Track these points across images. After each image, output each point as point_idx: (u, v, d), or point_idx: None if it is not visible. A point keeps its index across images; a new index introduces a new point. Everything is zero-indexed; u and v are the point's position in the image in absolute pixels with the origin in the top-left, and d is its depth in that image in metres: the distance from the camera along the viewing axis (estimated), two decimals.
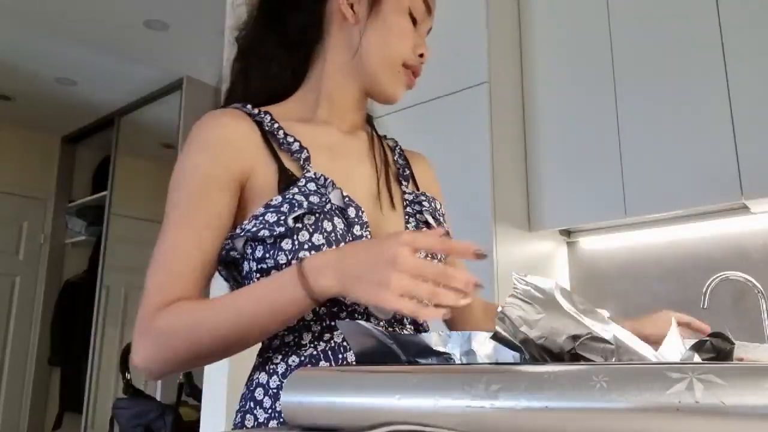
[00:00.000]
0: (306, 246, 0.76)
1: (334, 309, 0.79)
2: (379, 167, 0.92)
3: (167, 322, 0.72)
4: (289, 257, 0.76)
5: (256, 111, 0.86)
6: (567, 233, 2.41)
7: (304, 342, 0.78)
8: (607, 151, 2.11)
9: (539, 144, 2.27)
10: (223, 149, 0.81)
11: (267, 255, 0.77)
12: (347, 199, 0.81)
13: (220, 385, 2.16)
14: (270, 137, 0.84)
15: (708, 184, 1.91)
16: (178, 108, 3.93)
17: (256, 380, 0.80)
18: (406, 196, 0.92)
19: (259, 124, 0.84)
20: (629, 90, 2.11)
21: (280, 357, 0.79)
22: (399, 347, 0.52)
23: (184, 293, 0.75)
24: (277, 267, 0.76)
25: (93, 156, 4.86)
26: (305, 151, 0.84)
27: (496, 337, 0.48)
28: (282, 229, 0.76)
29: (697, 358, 0.50)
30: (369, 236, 0.82)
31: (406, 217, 0.90)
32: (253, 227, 0.77)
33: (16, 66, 3.83)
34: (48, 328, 4.52)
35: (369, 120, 1.00)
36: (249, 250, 0.79)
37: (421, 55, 0.89)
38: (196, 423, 2.41)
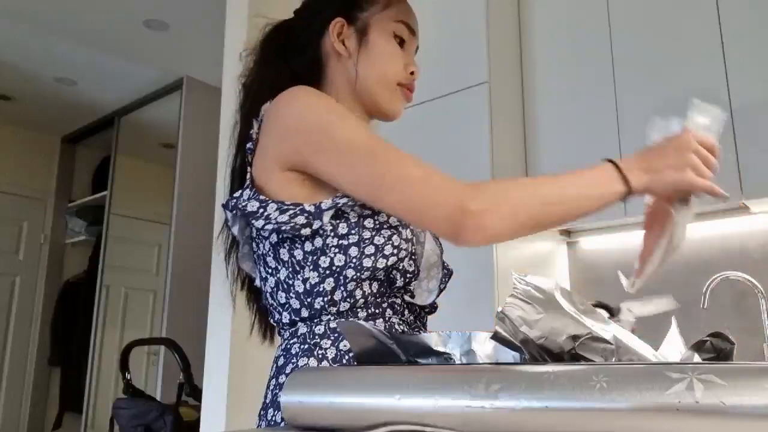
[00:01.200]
0: (385, 226, 0.82)
1: (378, 299, 0.83)
2: None
3: (497, 187, 0.78)
4: (373, 234, 0.81)
5: None
6: (567, 233, 2.41)
7: None
8: (607, 151, 2.11)
9: (539, 144, 2.27)
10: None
11: (352, 231, 0.81)
12: None
13: (220, 385, 2.16)
14: None
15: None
16: (178, 108, 3.93)
17: (305, 366, 0.80)
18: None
19: None
20: (629, 89, 2.11)
21: (329, 342, 0.81)
22: (399, 347, 0.52)
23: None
24: (359, 243, 0.81)
25: (93, 156, 4.86)
26: None
27: (496, 337, 0.48)
28: (368, 210, 0.82)
29: (697, 358, 0.50)
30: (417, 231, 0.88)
31: None
32: (346, 201, 0.81)
33: (16, 66, 3.83)
34: (48, 328, 4.52)
35: None
36: (330, 227, 0.81)
37: (412, 73, 0.97)
38: (196, 423, 2.41)
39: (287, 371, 0.82)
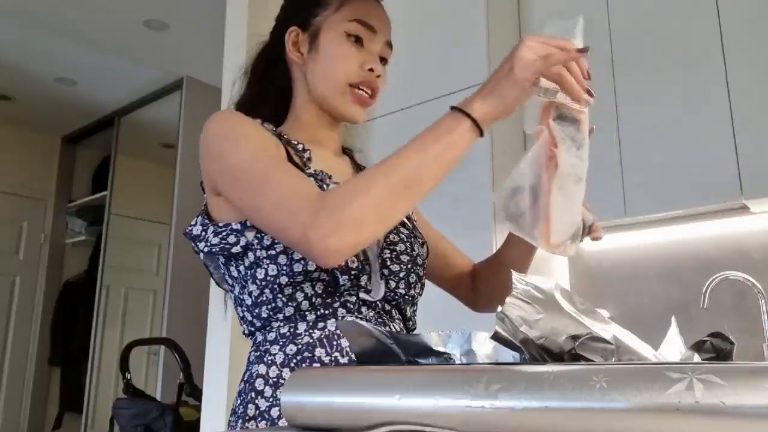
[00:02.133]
0: None
1: (327, 299, 0.83)
2: None
3: (343, 189, 0.73)
4: None
5: (261, 120, 0.94)
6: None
7: (299, 331, 0.83)
8: (607, 151, 2.11)
9: None
10: (258, 125, 0.89)
11: (276, 241, 0.82)
12: None
13: (220, 385, 2.16)
14: (277, 136, 0.92)
15: (708, 184, 1.91)
16: (178, 108, 3.93)
17: (255, 372, 0.84)
18: None
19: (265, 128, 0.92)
20: (629, 90, 2.11)
21: (277, 348, 0.83)
22: (399, 347, 0.52)
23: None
24: (285, 251, 0.81)
25: (93, 156, 4.86)
26: (308, 151, 0.92)
27: (496, 337, 0.48)
28: None
29: (697, 358, 0.50)
30: None
31: None
32: None
33: (16, 66, 3.83)
34: (48, 328, 4.52)
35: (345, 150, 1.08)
36: (256, 241, 0.83)
37: (371, 70, 0.93)
38: (196, 423, 2.41)
39: (245, 378, 0.86)
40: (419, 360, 0.53)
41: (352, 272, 0.84)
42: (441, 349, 0.54)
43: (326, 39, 0.93)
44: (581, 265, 2.42)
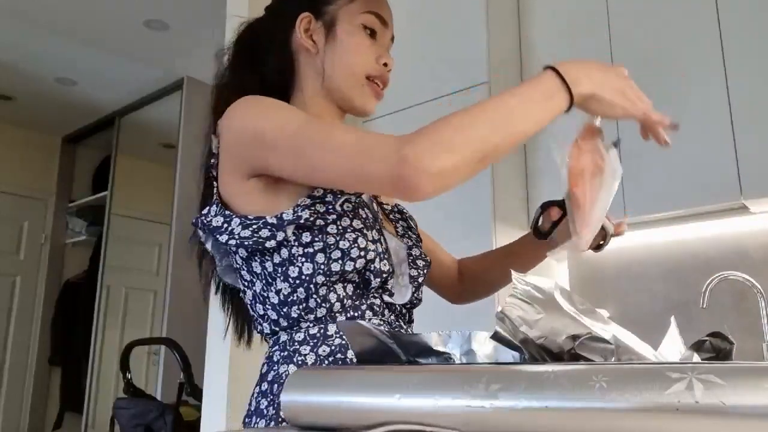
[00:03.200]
0: (349, 229, 0.81)
1: (356, 301, 0.83)
2: None
3: (433, 126, 0.71)
4: (337, 239, 0.80)
5: None
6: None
7: (329, 333, 0.81)
8: None
9: (538, 145, 2.27)
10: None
11: (316, 239, 0.81)
12: (368, 196, 0.92)
13: (220, 385, 2.16)
14: None
15: (708, 184, 1.91)
16: (178, 108, 3.93)
17: (285, 372, 0.81)
18: (385, 207, 1.01)
19: None
20: None
21: (308, 348, 0.81)
22: (399, 347, 0.52)
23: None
24: (324, 250, 0.80)
25: (93, 156, 4.86)
26: None
27: (496, 337, 0.48)
28: (333, 216, 0.81)
29: (696, 358, 0.50)
30: (382, 230, 0.89)
31: (393, 222, 1.00)
32: (309, 215, 0.80)
33: (16, 66, 3.83)
34: (48, 328, 4.52)
35: None
36: (293, 237, 0.81)
37: (386, 65, 0.93)
38: (196, 423, 2.41)
39: (269, 378, 0.83)
40: (419, 360, 0.53)
41: (384, 275, 0.84)
42: (441, 349, 0.54)
43: (344, 30, 0.92)
44: (581, 265, 2.41)
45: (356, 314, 0.83)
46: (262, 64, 0.96)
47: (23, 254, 4.59)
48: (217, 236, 0.83)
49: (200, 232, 0.87)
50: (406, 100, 2.32)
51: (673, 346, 0.56)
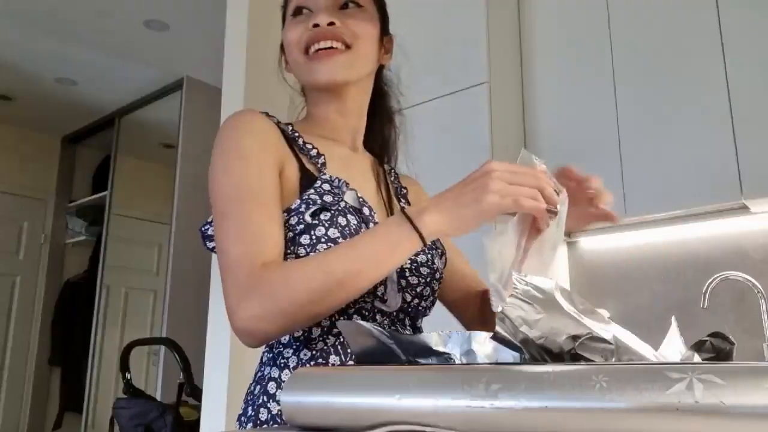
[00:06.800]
0: (323, 239, 0.79)
1: (343, 306, 0.81)
2: (380, 179, 1.00)
3: (278, 273, 0.72)
4: (308, 250, 0.79)
5: (277, 120, 0.92)
6: (567, 233, 2.40)
7: (313, 336, 0.81)
8: (607, 151, 2.11)
9: (539, 144, 2.27)
10: (267, 135, 0.85)
11: (288, 251, 0.80)
12: (361, 199, 0.86)
13: (220, 385, 2.16)
14: (291, 142, 0.89)
15: (708, 184, 1.91)
16: (178, 108, 3.93)
17: (268, 375, 0.82)
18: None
19: (282, 131, 0.89)
20: (629, 90, 2.11)
21: (291, 351, 0.82)
22: (399, 347, 0.52)
23: (274, 259, 0.75)
24: (307, 254, 0.80)
25: (93, 156, 4.86)
26: (322, 157, 0.89)
27: (496, 337, 0.48)
28: (301, 226, 0.80)
29: (697, 358, 0.50)
30: None
31: None
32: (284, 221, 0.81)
33: (16, 66, 3.83)
34: (48, 328, 4.52)
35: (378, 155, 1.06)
36: None
37: (316, 25, 0.88)
38: (196, 423, 2.41)
39: (257, 378, 0.84)
40: (419, 360, 0.53)
41: None
42: (441, 349, 0.54)
43: (285, 27, 0.94)
44: (581, 265, 2.42)
45: (342, 317, 0.81)
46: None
47: (23, 254, 4.59)
48: (207, 243, 0.86)
49: (202, 241, 0.89)
50: (406, 100, 2.31)
51: (673, 347, 0.56)
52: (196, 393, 2.48)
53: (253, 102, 2.32)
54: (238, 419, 0.85)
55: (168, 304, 3.73)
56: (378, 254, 0.71)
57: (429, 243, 0.71)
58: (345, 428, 0.44)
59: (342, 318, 0.81)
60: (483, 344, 0.57)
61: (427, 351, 0.54)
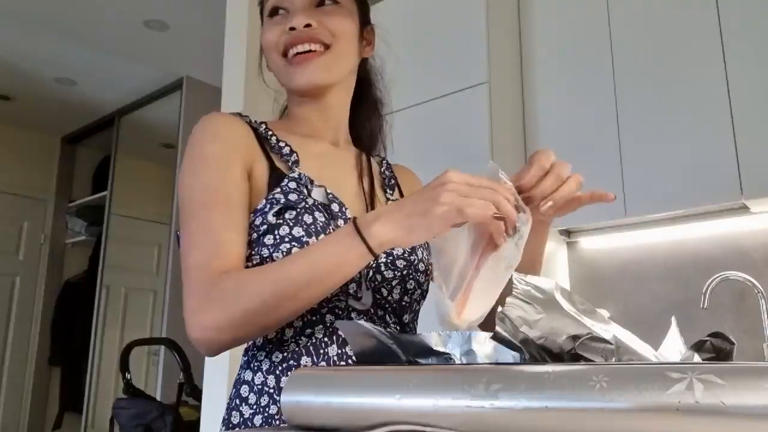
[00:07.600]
0: (287, 239, 0.78)
1: (315, 305, 0.79)
2: (363, 172, 0.97)
3: (232, 283, 0.72)
4: (271, 251, 0.78)
5: (250, 119, 0.90)
6: (567, 233, 2.41)
7: (285, 338, 0.80)
8: (607, 151, 2.11)
9: (539, 144, 2.27)
10: (234, 138, 0.84)
11: (253, 252, 0.79)
12: (331, 196, 0.84)
13: (220, 385, 2.16)
14: (263, 141, 0.88)
15: (708, 184, 1.91)
16: (178, 108, 3.93)
17: (242, 378, 0.83)
18: (390, 203, 0.97)
19: (255, 130, 0.88)
20: (629, 90, 2.11)
21: (263, 354, 0.81)
22: (399, 347, 0.52)
23: (232, 267, 0.75)
24: (262, 262, 0.79)
25: (93, 156, 4.86)
26: (295, 155, 0.88)
27: (496, 337, 0.48)
28: (265, 227, 0.79)
29: (697, 358, 0.50)
30: None
31: None
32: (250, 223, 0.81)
33: (16, 66, 3.83)
34: (48, 328, 4.52)
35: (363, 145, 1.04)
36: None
37: (293, 29, 0.87)
38: (196, 423, 2.41)
39: (234, 382, 0.85)
40: (419, 360, 0.53)
41: None
42: (441, 349, 0.54)
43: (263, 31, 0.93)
44: (581, 265, 2.42)
45: (314, 318, 0.80)
46: None
47: (23, 254, 4.59)
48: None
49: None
50: (406, 100, 2.32)
51: (673, 347, 0.56)
52: (196, 393, 2.48)
53: (253, 102, 2.32)
54: (222, 421, 0.85)
55: (168, 304, 3.73)
56: (329, 265, 0.70)
57: (378, 253, 0.70)
58: (345, 428, 0.44)
59: (314, 318, 0.80)
60: (483, 344, 0.57)
61: (427, 351, 0.54)
